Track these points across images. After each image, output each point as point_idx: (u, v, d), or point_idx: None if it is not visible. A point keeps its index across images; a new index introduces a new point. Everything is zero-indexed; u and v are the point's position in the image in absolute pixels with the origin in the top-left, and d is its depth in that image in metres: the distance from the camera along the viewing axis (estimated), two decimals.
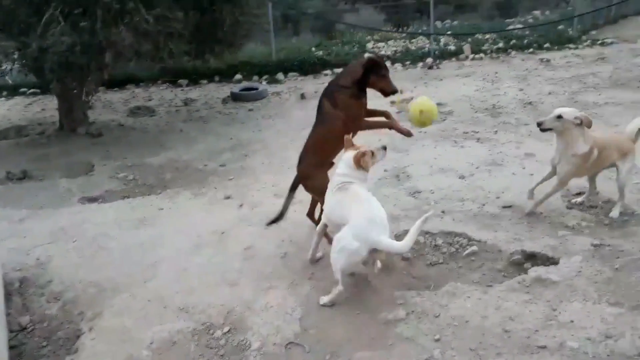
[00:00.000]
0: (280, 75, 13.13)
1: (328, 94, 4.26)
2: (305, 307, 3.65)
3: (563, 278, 3.74)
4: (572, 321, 3.28)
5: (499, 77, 11.11)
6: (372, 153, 3.81)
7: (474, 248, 4.28)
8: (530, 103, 8.84)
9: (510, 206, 4.99)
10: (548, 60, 12.60)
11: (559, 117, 4.35)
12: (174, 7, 7.37)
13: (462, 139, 7.21)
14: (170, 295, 3.91)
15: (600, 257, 3.99)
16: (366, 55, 4.38)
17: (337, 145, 4.09)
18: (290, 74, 13.31)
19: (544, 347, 3.08)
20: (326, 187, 3.96)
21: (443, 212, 4.96)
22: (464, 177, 5.79)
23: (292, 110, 9.84)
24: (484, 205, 5.05)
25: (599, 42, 14.66)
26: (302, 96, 10.65)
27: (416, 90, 10.28)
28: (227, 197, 5.75)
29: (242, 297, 3.82)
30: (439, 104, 8.82)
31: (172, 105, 11.16)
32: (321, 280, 3.92)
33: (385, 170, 6.11)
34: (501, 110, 8.52)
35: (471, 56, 13.71)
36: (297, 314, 3.58)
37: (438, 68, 12.85)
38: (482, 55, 13.85)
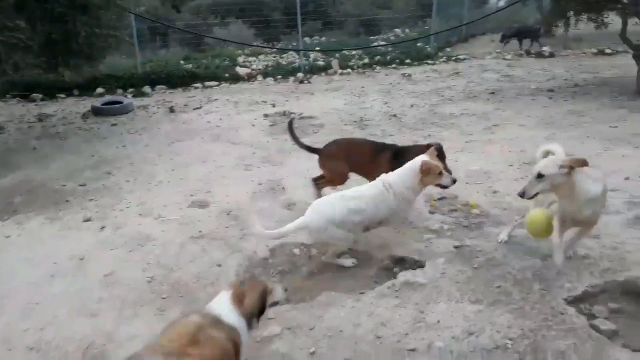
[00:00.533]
0: (147, 89, 12.61)
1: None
2: None
3: (429, 280, 3.91)
4: (438, 321, 3.42)
5: (366, 91, 11.60)
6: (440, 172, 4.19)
7: (347, 256, 4.34)
8: (394, 115, 9.29)
9: None
10: (409, 75, 13.42)
11: (540, 175, 3.55)
12: (15, 16, 6.69)
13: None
14: (18, 334, 3.49)
15: (461, 257, 4.24)
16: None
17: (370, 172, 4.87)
18: (158, 87, 12.83)
19: (413, 350, 3.18)
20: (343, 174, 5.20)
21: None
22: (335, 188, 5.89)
23: (160, 124, 9.43)
24: None
25: (453, 58, 15.94)
26: (171, 109, 10.27)
27: (288, 104, 10.40)
28: (87, 220, 5.32)
29: (103, 329, 3.51)
30: (310, 117, 9.00)
31: (24, 121, 10.20)
32: (193, 302, 3.73)
33: (259, 184, 6.05)
34: (368, 122, 8.87)
35: (339, 71, 14.21)
36: None
37: (309, 82, 13.13)
38: (349, 70, 14.42)
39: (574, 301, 3.67)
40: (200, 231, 4.87)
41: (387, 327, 3.40)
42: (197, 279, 4.07)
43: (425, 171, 4.08)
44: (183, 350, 2.19)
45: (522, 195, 3.62)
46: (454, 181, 4.28)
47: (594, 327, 3.40)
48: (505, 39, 17.50)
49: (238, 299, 2.61)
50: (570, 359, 3.05)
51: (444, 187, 4.34)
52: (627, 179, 5.83)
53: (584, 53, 15.89)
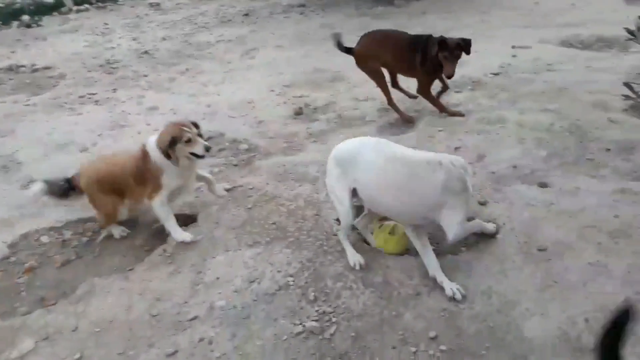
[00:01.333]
0: None
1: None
2: None
3: (203, 234, 3.63)
4: (217, 278, 3.19)
5: (110, 28, 10.39)
6: None
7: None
8: (146, 52, 8.49)
9: None
10: (158, 4, 12.39)
11: None
12: None
13: (79, 104, 6.43)
14: None
15: (234, 200, 4.02)
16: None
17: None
18: None
19: (195, 318, 2.91)
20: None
21: None
22: (86, 149, 5.15)
23: None
24: None
25: None
26: None
27: (15, 55, 8.79)
28: None
29: None
30: (46, 68, 7.75)
31: None
32: None
33: None
34: (117, 64, 7.95)
35: (75, 8, 12.43)
36: None
37: (38, 26, 11.25)
38: (87, 5, 12.72)
39: None
40: None
41: (163, 300, 3.06)
42: None
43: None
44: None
45: None
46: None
47: (365, 242, 3.52)
48: None
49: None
50: (347, 279, 3.09)
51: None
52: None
53: None
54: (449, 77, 4.89)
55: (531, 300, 2.77)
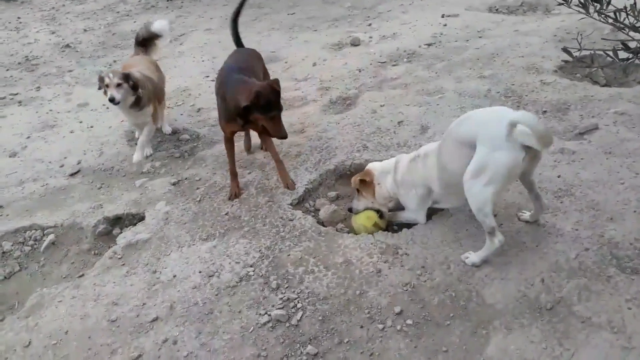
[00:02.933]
0: None
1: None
2: None
3: (153, 232, 3.51)
4: (174, 276, 3.10)
5: (24, 22, 9.73)
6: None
7: (52, 237, 3.62)
8: (68, 46, 8.03)
9: (78, 171, 4.41)
10: None
11: None
12: None
13: (1, 106, 6.02)
14: None
15: (182, 194, 3.90)
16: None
17: None
18: None
19: (156, 319, 2.82)
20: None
21: (1, 206, 4.03)
22: (15, 154, 4.84)
23: None
24: (47, 181, 4.31)
25: None
26: None
27: None
28: None
29: None
30: None
31: None
32: None
33: None
34: (37, 61, 7.47)
35: None
36: None
37: None
38: None
39: (299, 203, 3.73)
40: None
41: (120, 304, 2.94)
42: None
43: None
44: None
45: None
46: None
47: (321, 223, 3.51)
48: None
49: None
50: (308, 263, 3.07)
51: None
52: (314, 64, 6.10)
53: None
54: (282, 138, 3.54)
55: (489, 265, 2.85)
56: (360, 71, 5.72)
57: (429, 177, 3.09)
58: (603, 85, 4.70)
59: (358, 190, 3.42)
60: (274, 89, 3.40)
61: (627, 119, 4.05)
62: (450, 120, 4.32)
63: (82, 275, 3.23)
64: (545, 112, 4.31)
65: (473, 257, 2.88)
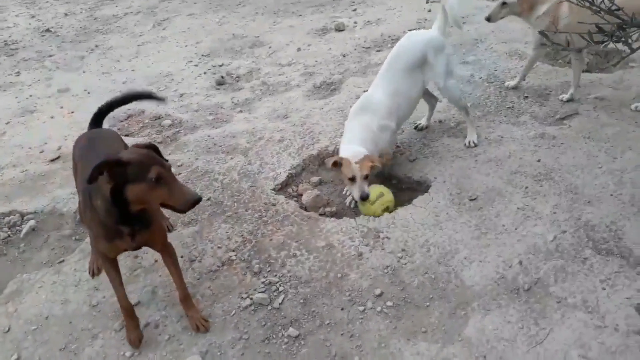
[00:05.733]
0: None
1: None
2: None
3: None
4: (156, 261, 3.08)
5: (2, 5, 9.52)
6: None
7: (32, 223, 3.58)
8: (48, 30, 7.87)
9: (59, 157, 4.36)
10: None
11: (503, 3, 4.15)
12: None
13: None
14: None
15: None
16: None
17: None
18: None
19: (138, 304, 2.81)
20: None
21: None
22: None
23: None
24: (27, 167, 4.25)
25: None
26: None
27: None
28: None
29: None
30: None
31: None
32: None
33: None
34: (16, 45, 7.32)
35: None
36: None
37: None
38: None
39: (281, 188, 3.73)
40: None
41: (102, 289, 2.93)
42: None
43: None
44: None
45: (488, 19, 4.27)
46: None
47: (303, 207, 3.52)
48: None
49: None
50: (290, 247, 3.09)
51: None
52: (298, 50, 6.07)
53: None
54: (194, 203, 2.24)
55: (468, 248, 2.89)
56: (344, 56, 5.71)
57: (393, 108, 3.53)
58: (584, 71, 4.74)
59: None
60: (139, 146, 2.33)
61: (607, 104, 4.10)
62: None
63: (63, 260, 3.21)
64: (527, 97, 4.34)
65: (469, 138, 3.80)
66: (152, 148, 2.33)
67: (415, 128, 4.14)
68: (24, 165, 4.29)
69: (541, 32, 3.11)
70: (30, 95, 5.61)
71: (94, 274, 3.05)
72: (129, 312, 2.57)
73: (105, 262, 2.53)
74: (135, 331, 2.58)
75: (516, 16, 4.24)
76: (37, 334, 2.71)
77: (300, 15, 7.33)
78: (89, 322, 2.75)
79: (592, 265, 2.67)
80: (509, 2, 4.11)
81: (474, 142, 3.79)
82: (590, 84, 4.38)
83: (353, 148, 3.32)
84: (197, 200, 2.21)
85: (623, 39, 2.40)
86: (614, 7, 2.34)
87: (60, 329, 2.73)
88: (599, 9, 2.35)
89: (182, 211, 2.25)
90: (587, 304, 2.47)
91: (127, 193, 2.17)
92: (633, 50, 2.40)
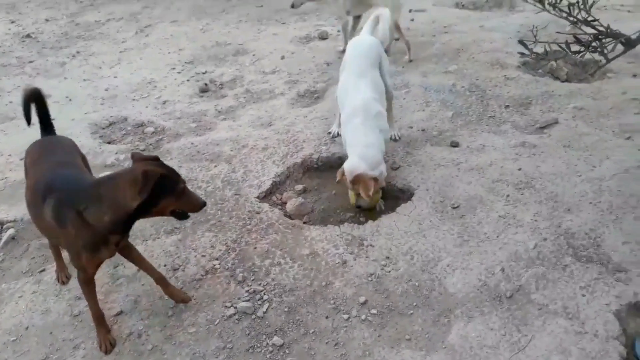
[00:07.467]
0: None
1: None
2: None
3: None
4: (138, 271, 3.04)
5: None
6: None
7: (12, 231, 3.53)
8: (28, 36, 7.78)
9: None
10: None
11: None
12: None
13: None
14: None
15: None
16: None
17: None
18: None
19: (120, 313, 2.80)
20: None
21: None
22: None
23: None
24: (7, 175, 4.18)
25: None
26: None
27: None
28: None
29: None
30: None
31: None
32: None
33: None
34: None
35: None
36: None
37: None
38: None
39: (265, 196, 3.73)
40: None
41: (84, 299, 2.86)
42: None
43: None
44: None
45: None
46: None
47: (288, 216, 3.53)
48: None
49: None
50: (274, 255, 3.09)
51: None
52: (282, 57, 6.09)
53: None
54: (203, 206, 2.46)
55: (451, 256, 2.92)
56: (328, 65, 5.74)
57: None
58: (564, 81, 4.84)
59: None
60: (156, 159, 2.42)
61: (585, 113, 4.18)
62: (416, 114, 4.40)
63: (44, 270, 3.17)
64: (507, 106, 4.41)
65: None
66: (157, 160, 2.42)
67: None
68: (3, 173, 4.22)
69: (520, 41, 3.16)
70: (10, 102, 5.53)
71: (62, 282, 3.03)
72: (100, 320, 2.63)
73: (88, 282, 2.55)
74: (107, 337, 2.62)
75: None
76: (17, 344, 2.67)
77: (284, 24, 7.36)
78: (70, 332, 2.71)
79: (573, 272, 2.71)
80: None
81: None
82: (570, 94, 4.47)
83: (369, 162, 3.30)
84: (204, 204, 2.45)
85: (599, 49, 2.47)
86: (590, 18, 2.40)
87: (41, 340, 2.69)
88: (576, 20, 2.41)
89: (195, 210, 2.46)
90: (567, 310, 2.51)
91: (161, 204, 2.29)
92: (609, 60, 2.46)
